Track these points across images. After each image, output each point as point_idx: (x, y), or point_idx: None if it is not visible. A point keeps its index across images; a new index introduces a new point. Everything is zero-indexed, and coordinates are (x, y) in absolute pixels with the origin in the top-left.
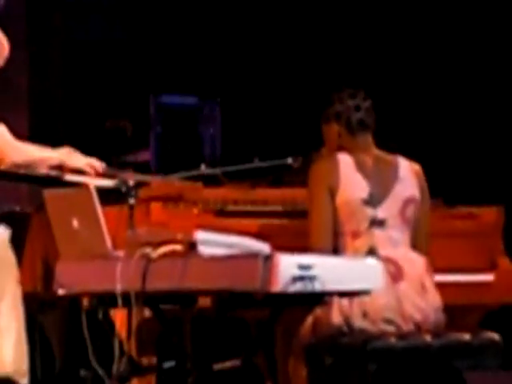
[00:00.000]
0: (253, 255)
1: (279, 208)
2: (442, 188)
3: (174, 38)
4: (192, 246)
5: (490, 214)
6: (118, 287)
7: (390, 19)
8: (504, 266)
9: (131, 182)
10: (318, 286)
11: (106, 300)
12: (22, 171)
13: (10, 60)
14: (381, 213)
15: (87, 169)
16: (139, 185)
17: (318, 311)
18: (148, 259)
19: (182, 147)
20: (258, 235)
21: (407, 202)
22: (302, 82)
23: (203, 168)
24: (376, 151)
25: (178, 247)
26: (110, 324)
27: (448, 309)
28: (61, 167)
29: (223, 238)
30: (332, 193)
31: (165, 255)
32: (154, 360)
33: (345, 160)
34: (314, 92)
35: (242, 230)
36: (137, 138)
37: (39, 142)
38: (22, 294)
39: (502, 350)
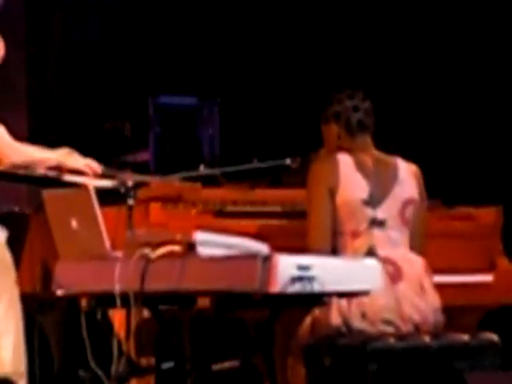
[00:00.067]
0: (252, 256)
1: (278, 208)
2: (441, 189)
3: (172, 39)
4: (191, 247)
5: (488, 215)
6: (117, 288)
7: (389, 20)
8: (503, 266)
9: (130, 183)
10: (316, 287)
11: (105, 300)
12: (21, 172)
13: (9, 60)
14: (380, 213)
15: (86, 169)
16: (138, 185)
17: (317, 312)
18: (147, 260)
19: (180, 148)
20: (257, 236)
21: (406, 203)
22: (300, 83)
23: (202, 168)
24: (375, 152)
25: (176, 248)
26: (109, 324)
27: (447, 309)
28: (59, 168)
29: (222, 239)
30: (332, 193)
31: (164, 256)
32: (152, 360)
33: (345, 160)
34: (313, 93)
35: (241, 231)
36: (136, 138)
37: (38, 143)
38: (20, 294)
39: (501, 350)
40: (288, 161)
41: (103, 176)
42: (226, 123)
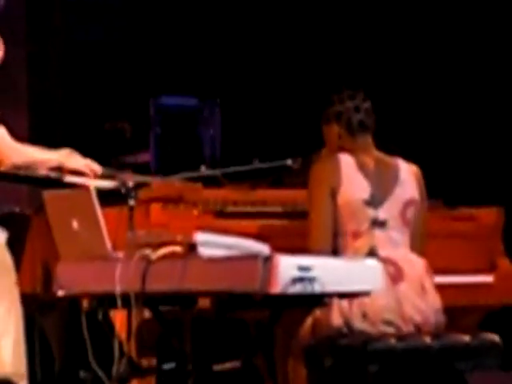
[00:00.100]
0: (252, 256)
1: (279, 209)
2: (443, 189)
3: (173, 40)
4: (192, 248)
5: (489, 216)
6: (118, 288)
7: (389, 20)
8: (504, 267)
9: (131, 184)
10: (317, 288)
11: (106, 301)
12: (21, 172)
13: (10, 60)
14: (382, 214)
15: (86, 170)
16: (139, 186)
17: (318, 312)
18: (148, 260)
19: (181, 148)
20: (258, 236)
21: (407, 203)
22: (301, 83)
23: (203, 169)
24: (376, 153)
25: (177, 248)
26: (110, 325)
27: (448, 310)
28: (60, 169)
29: (223, 240)
30: (333, 193)
31: (164, 256)
32: (153, 361)
33: (346, 160)
34: (314, 93)
35: (242, 231)
36: (136, 139)
37: (38, 143)
38: (21, 295)
39: (502, 350)
40: (289, 161)
41: (104, 177)
42: (227, 124)
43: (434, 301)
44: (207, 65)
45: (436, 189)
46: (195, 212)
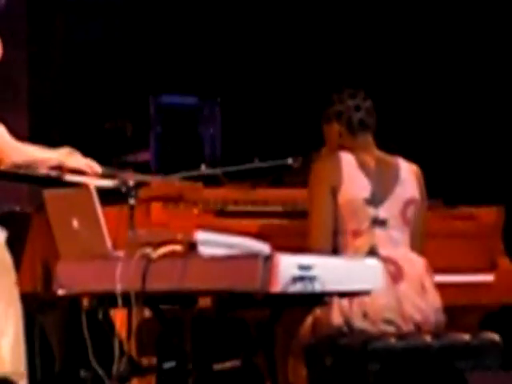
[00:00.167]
0: (253, 255)
1: (279, 208)
2: (443, 188)
3: (173, 38)
4: (192, 247)
5: (490, 215)
6: (118, 287)
7: (389, 19)
8: (504, 266)
9: (131, 183)
10: (318, 287)
11: (106, 300)
12: (21, 171)
13: (11, 60)
14: (382, 213)
15: (87, 169)
16: (139, 185)
17: (318, 311)
18: (148, 259)
19: (182, 147)
20: (258, 235)
21: (408, 203)
22: (302, 82)
23: (203, 168)
24: (377, 152)
25: (178, 247)
26: (110, 324)
27: (448, 309)
28: (60, 168)
29: (223, 239)
30: (334, 191)
31: (165, 255)
32: (154, 360)
33: (347, 159)
34: (314, 92)
35: (242, 231)
36: (137, 138)
37: (39, 142)
38: (21, 294)
39: (502, 350)
40: (289, 160)
41: (104, 176)
42: (228, 123)
43: (434, 300)
44: (207, 63)
45: (436, 188)
46: (195, 211)
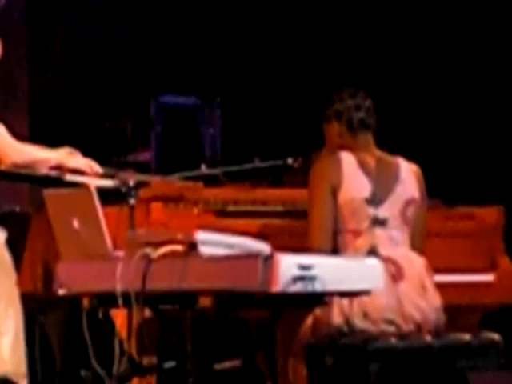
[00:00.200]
0: (253, 255)
1: (279, 208)
2: (442, 188)
3: (174, 38)
4: (192, 246)
5: (490, 214)
6: (119, 287)
7: (389, 19)
8: (504, 266)
9: (131, 182)
10: (318, 287)
11: (107, 300)
12: (22, 171)
13: (11, 60)
14: (382, 212)
15: (87, 169)
16: (139, 185)
17: (318, 311)
18: (148, 259)
19: (182, 147)
20: (259, 235)
21: (408, 202)
22: (302, 82)
23: (203, 168)
24: (377, 151)
25: (178, 247)
26: (111, 324)
27: (448, 309)
28: (60, 168)
29: (223, 238)
30: (334, 191)
31: (165, 255)
32: (154, 360)
33: (347, 158)
34: (314, 92)
35: (243, 230)
36: (137, 138)
37: (39, 142)
38: (21, 294)
39: (503, 350)
40: (289, 160)
41: (104, 176)
42: (228, 123)
43: (435, 300)
44: (207, 64)
45: (436, 188)
46: (196, 211)
